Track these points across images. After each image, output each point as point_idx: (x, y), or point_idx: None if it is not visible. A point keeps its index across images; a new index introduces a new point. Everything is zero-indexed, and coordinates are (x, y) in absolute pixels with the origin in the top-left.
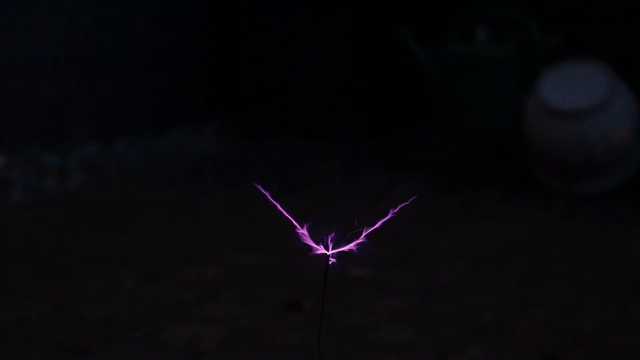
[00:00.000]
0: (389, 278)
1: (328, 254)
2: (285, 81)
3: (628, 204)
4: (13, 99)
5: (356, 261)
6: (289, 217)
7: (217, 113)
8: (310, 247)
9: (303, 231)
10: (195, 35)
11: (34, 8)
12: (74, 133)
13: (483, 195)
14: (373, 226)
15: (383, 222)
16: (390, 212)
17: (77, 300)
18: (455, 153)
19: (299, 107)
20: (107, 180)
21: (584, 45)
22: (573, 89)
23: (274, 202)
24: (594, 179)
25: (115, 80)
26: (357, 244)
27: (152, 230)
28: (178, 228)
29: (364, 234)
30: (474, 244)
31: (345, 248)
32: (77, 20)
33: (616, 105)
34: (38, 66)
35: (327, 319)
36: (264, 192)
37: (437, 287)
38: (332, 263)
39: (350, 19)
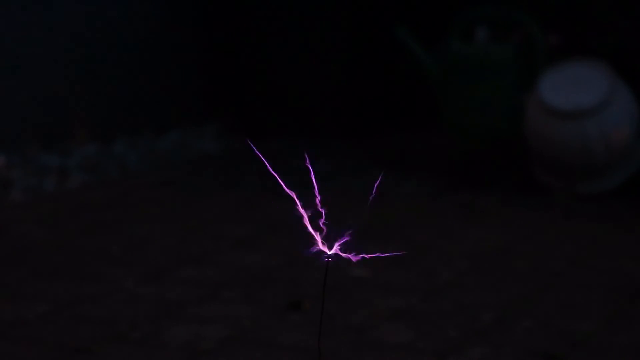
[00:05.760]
0: (389, 278)
1: (328, 253)
2: (285, 81)
3: (628, 204)
4: (13, 99)
5: (356, 261)
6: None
7: (217, 113)
8: (311, 245)
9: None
10: (196, 35)
11: (33, 8)
12: (74, 133)
13: (483, 195)
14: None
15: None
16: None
17: (77, 300)
18: (455, 153)
19: (299, 107)
20: (107, 180)
21: (584, 45)
22: (573, 89)
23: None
24: (594, 179)
25: (115, 80)
26: (353, 248)
27: (152, 230)
28: (178, 228)
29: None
30: (474, 244)
31: (345, 255)
32: (77, 21)
33: (616, 105)
34: (38, 66)
35: (327, 319)
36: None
37: (437, 287)
38: (331, 261)
39: (350, 18)
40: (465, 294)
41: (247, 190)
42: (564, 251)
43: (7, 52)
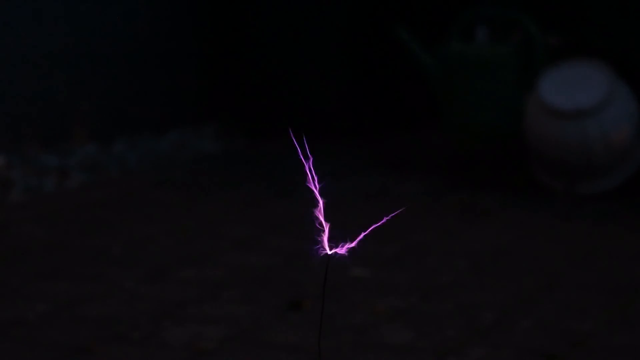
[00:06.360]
0: (389, 278)
1: (329, 253)
2: (285, 81)
3: (628, 204)
4: (13, 99)
5: (356, 261)
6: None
7: (217, 113)
8: (312, 247)
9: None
10: (195, 36)
11: (33, 8)
12: (74, 133)
13: (483, 195)
14: (370, 228)
15: (378, 226)
16: (385, 217)
17: (77, 300)
18: (456, 153)
19: (299, 107)
20: (107, 180)
21: (584, 45)
22: (573, 89)
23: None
24: (594, 179)
25: (115, 80)
26: (354, 244)
27: (152, 230)
28: (178, 228)
29: (360, 236)
30: (474, 244)
31: (344, 249)
32: (77, 21)
33: (616, 105)
34: (38, 66)
35: (327, 319)
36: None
37: (437, 287)
38: (331, 258)
39: (351, 19)
40: (465, 294)
41: (247, 190)
42: (564, 251)
43: (7, 52)
